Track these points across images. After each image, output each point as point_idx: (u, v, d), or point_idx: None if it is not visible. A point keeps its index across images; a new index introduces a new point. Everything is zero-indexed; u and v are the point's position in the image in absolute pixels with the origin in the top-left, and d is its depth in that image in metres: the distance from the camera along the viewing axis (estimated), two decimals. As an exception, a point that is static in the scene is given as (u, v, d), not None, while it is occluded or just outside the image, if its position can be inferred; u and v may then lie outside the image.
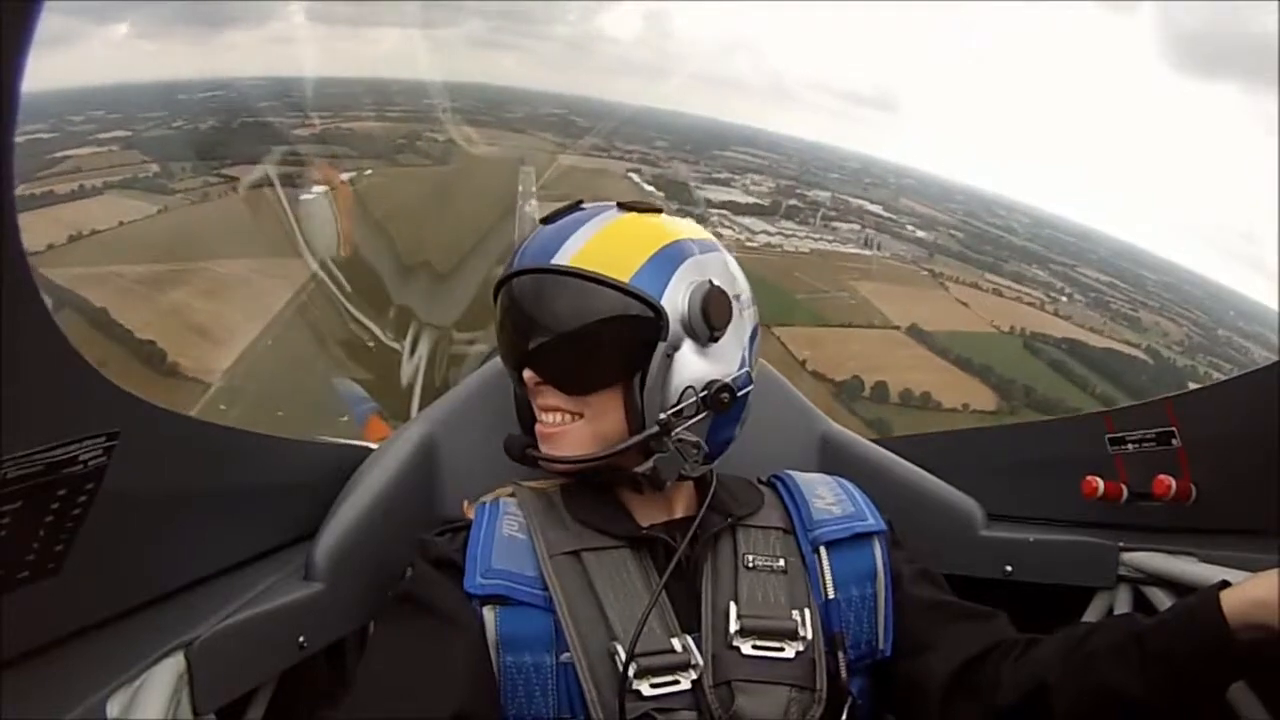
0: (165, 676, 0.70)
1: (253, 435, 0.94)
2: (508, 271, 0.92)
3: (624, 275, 0.86)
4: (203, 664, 0.73)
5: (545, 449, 0.90)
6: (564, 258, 0.87)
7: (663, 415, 0.85)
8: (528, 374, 0.88)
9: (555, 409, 0.88)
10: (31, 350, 0.53)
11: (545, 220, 0.93)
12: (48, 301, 0.52)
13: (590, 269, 0.86)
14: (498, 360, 1.42)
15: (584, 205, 0.94)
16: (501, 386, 1.29)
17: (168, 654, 0.71)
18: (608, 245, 0.88)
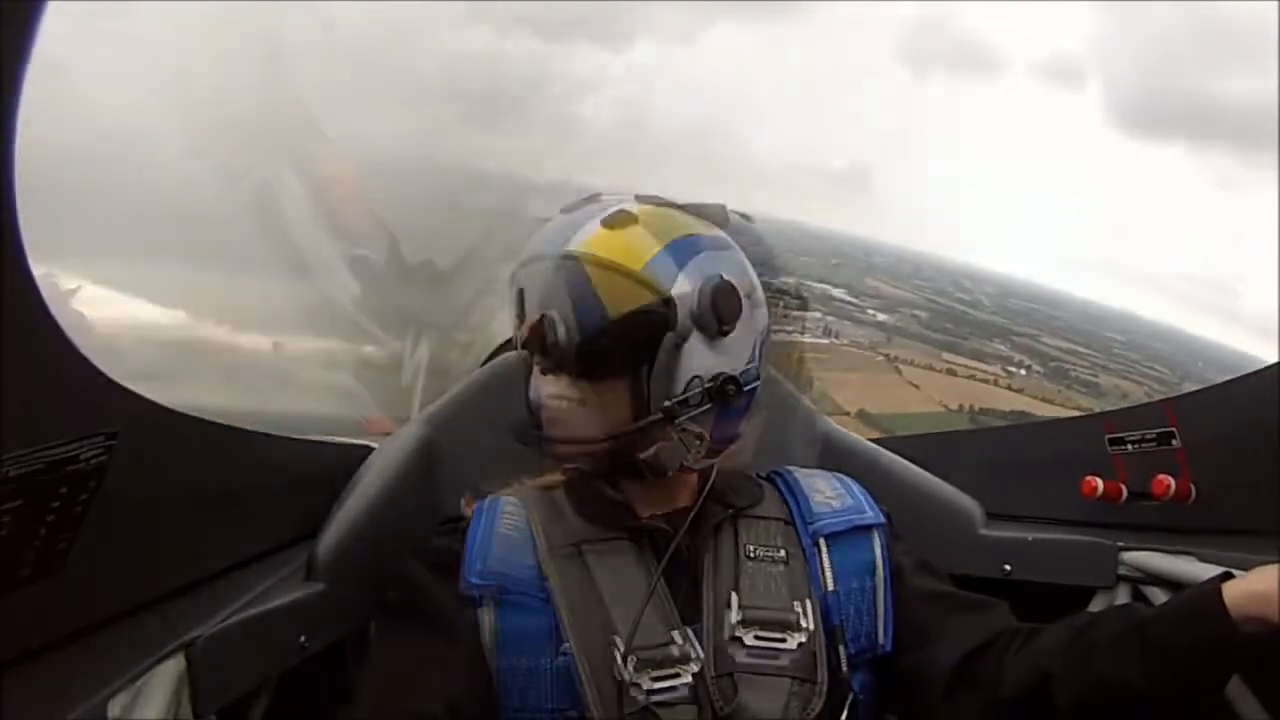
0: (166, 677, 0.70)
1: (253, 435, 0.94)
2: (521, 258, 0.92)
3: (636, 264, 0.86)
4: (204, 664, 0.73)
5: (550, 433, 0.90)
6: (576, 245, 0.87)
7: (667, 403, 0.85)
8: (537, 360, 0.88)
9: (563, 396, 0.88)
10: (32, 348, 0.52)
11: (564, 210, 0.94)
12: (48, 297, 0.52)
13: (603, 256, 0.86)
14: (498, 361, 1.42)
15: (602, 196, 0.94)
16: (502, 387, 1.29)
17: (169, 654, 0.71)
18: (621, 234, 0.88)
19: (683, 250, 0.88)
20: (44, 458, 0.56)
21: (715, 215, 0.91)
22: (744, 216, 0.91)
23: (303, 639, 0.87)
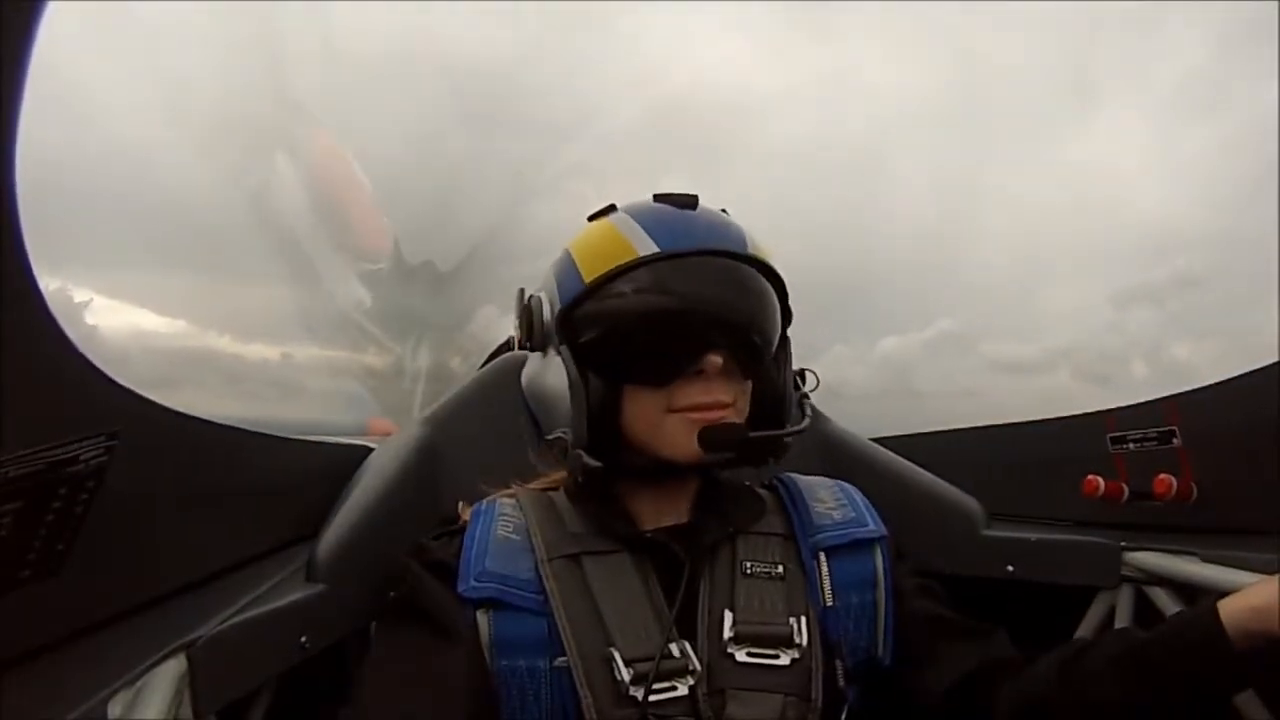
0: (167, 677, 0.70)
1: (253, 435, 0.94)
2: (695, 247, 0.84)
3: (771, 258, 0.89)
4: (204, 664, 0.73)
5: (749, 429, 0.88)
6: (750, 245, 0.87)
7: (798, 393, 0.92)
8: (712, 359, 0.82)
9: (721, 404, 0.84)
10: (32, 348, 0.53)
11: (673, 203, 0.89)
12: (48, 297, 0.52)
13: (761, 253, 0.88)
14: (498, 361, 1.42)
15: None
16: (502, 387, 1.29)
17: (169, 654, 0.71)
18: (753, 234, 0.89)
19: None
20: (44, 458, 0.56)
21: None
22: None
23: (303, 639, 0.87)
